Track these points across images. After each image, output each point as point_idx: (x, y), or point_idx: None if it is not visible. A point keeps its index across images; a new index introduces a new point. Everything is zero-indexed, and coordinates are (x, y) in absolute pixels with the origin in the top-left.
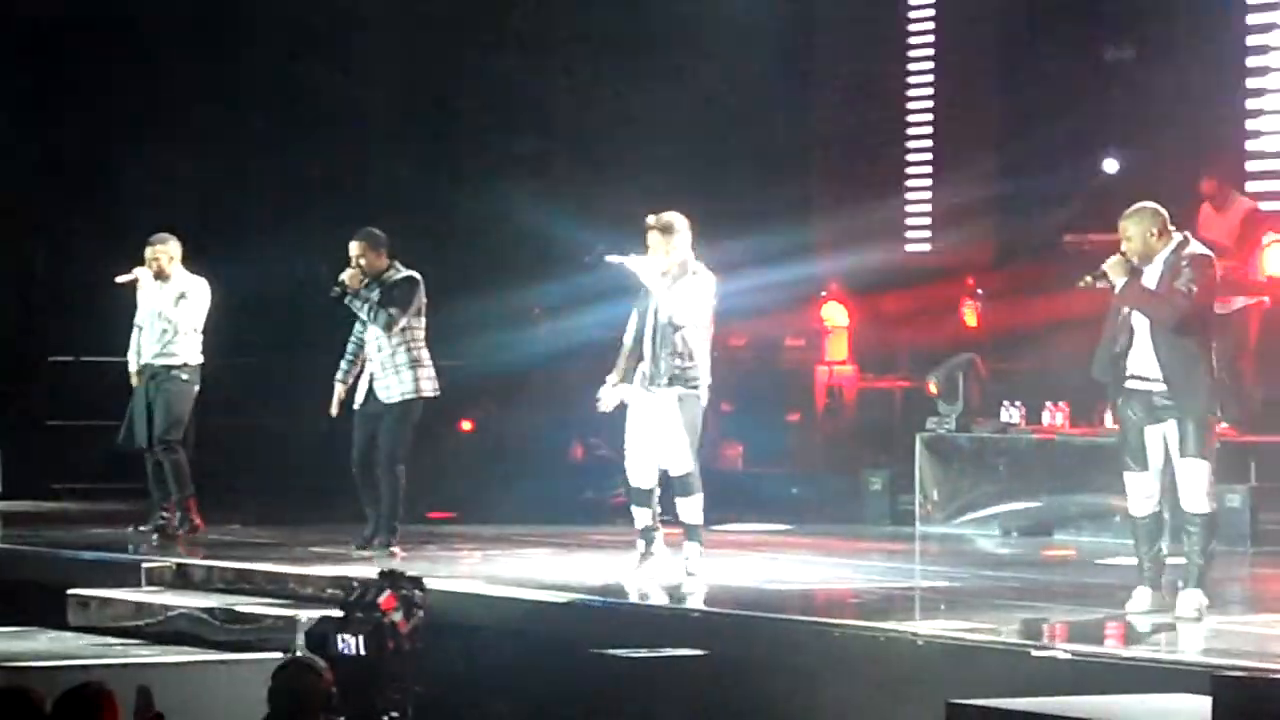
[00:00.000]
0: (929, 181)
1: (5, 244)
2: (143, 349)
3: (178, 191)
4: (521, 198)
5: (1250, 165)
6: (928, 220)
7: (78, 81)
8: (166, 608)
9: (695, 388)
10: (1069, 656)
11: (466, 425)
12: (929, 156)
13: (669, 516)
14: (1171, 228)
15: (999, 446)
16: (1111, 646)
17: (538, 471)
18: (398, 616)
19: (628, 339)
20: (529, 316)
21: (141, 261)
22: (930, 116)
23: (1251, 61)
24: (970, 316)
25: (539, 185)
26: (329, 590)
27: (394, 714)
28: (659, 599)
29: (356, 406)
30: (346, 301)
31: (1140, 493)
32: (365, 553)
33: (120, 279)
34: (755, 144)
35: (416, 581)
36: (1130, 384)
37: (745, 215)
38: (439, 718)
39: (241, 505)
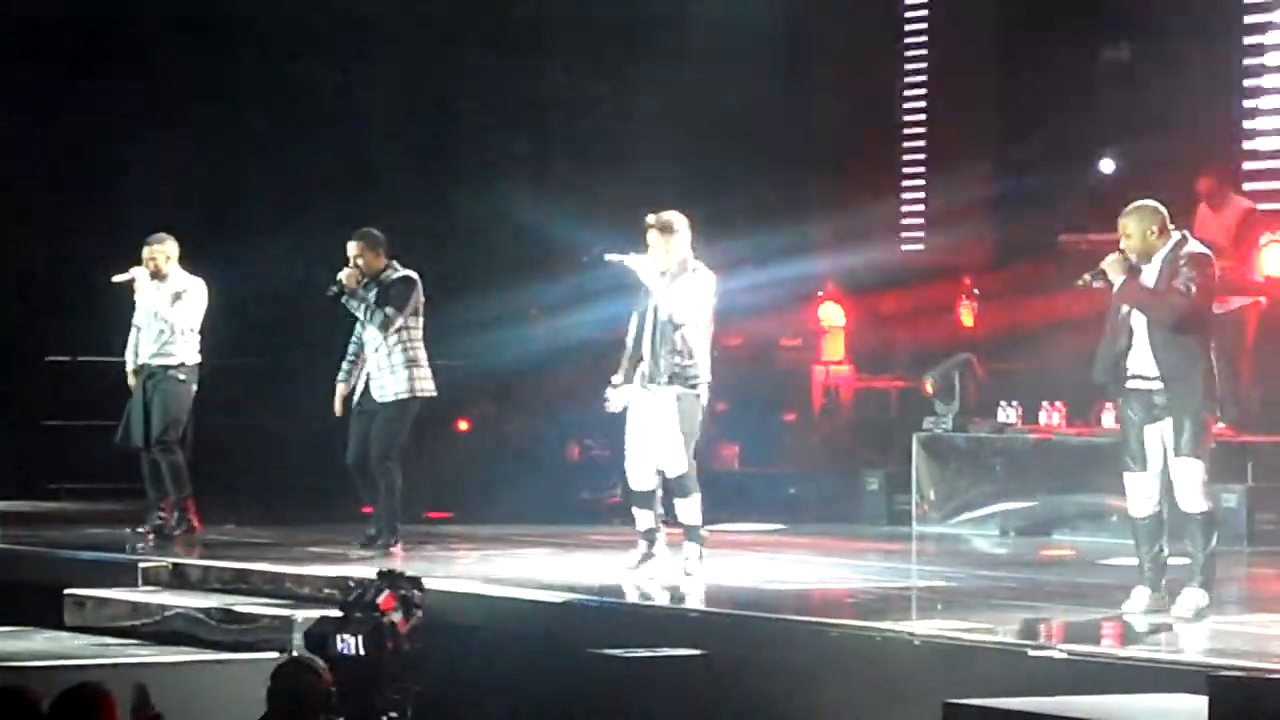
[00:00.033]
0: (926, 181)
1: (3, 243)
2: (140, 349)
3: (176, 191)
4: (519, 198)
5: (1247, 166)
6: (924, 220)
7: (77, 81)
8: (163, 608)
9: (695, 386)
10: (1066, 656)
11: (464, 425)
12: (926, 157)
13: (670, 518)
14: (1171, 226)
15: (996, 446)
16: (1108, 646)
17: (535, 471)
18: (397, 616)
19: (629, 340)
20: (526, 316)
21: (139, 261)
22: (927, 117)
23: (1248, 61)
24: (967, 316)
25: (536, 185)
26: (326, 590)
27: (393, 714)
28: (656, 599)
29: (354, 405)
30: (343, 301)
31: (1140, 493)
32: (366, 553)
33: (117, 278)
34: (752, 144)
35: (415, 582)
36: (1131, 384)
37: (742, 215)
38: (436, 718)
39: (239, 505)
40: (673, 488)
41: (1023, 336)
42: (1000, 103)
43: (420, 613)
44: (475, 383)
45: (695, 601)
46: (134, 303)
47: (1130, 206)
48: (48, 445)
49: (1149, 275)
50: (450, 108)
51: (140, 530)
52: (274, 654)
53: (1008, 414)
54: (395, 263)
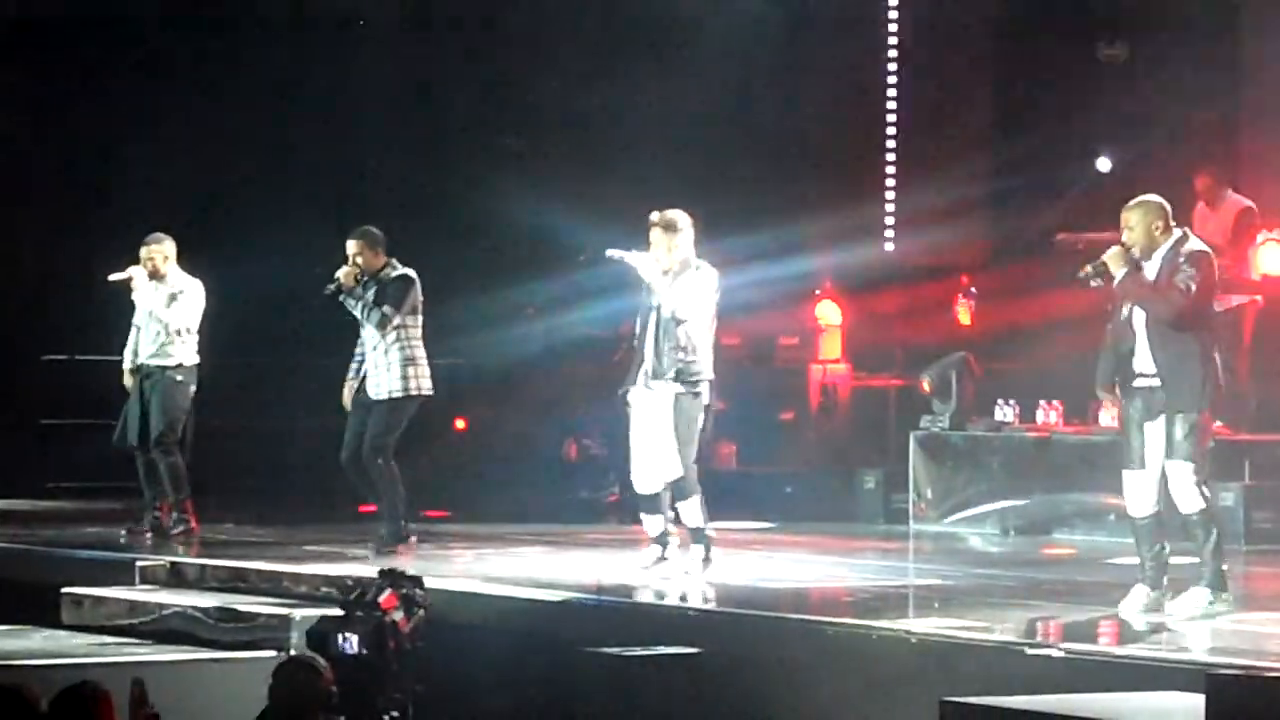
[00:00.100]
0: (922, 180)
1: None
2: (139, 349)
3: (174, 190)
4: (516, 196)
5: (1243, 165)
6: (921, 219)
7: (74, 80)
8: (161, 606)
9: (696, 384)
10: (1063, 654)
11: (460, 424)
12: (922, 155)
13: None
14: (1173, 223)
15: (993, 445)
16: (1105, 644)
17: (532, 470)
18: (398, 615)
19: (638, 343)
20: (524, 315)
21: (137, 260)
22: (923, 115)
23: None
24: (964, 315)
25: (533, 184)
26: (324, 589)
27: (394, 713)
28: (653, 597)
29: (353, 401)
30: (341, 299)
31: (1137, 492)
32: (380, 556)
33: (113, 277)
34: (749, 143)
35: (417, 580)
36: (1136, 383)
37: (739, 213)
38: (432, 716)
39: (237, 505)
40: (673, 490)
41: (1020, 335)
42: (997, 102)
43: (422, 611)
44: (473, 381)
45: (692, 600)
46: (133, 302)
47: (1135, 200)
48: (45, 444)
49: (1149, 272)
50: (445, 106)
51: (137, 529)
52: (272, 653)
53: (1005, 413)
54: (394, 261)
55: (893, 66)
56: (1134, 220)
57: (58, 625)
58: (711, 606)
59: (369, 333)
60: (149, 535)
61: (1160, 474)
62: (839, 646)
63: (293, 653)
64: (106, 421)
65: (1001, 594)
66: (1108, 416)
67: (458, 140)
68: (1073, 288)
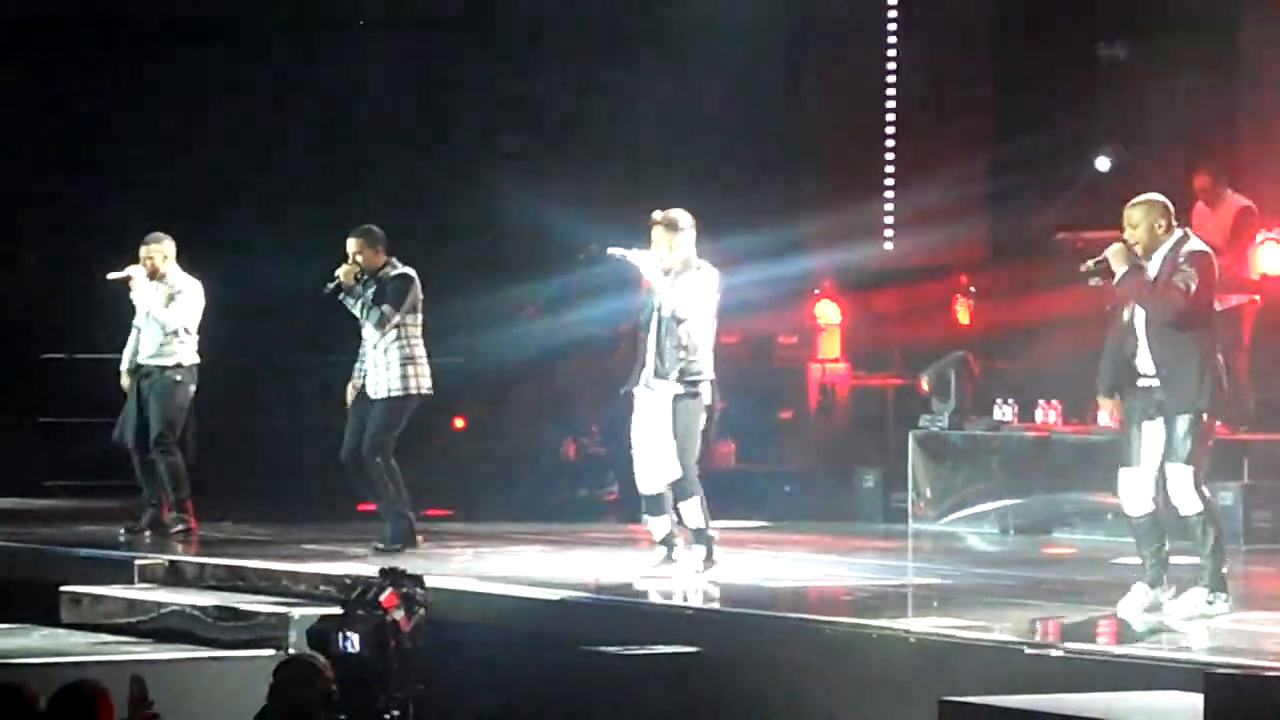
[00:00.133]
0: (922, 180)
1: None
2: (140, 349)
3: (174, 190)
4: (515, 195)
5: (1242, 164)
6: (920, 218)
7: (74, 80)
8: (159, 604)
9: (695, 384)
10: (1062, 654)
11: (459, 423)
12: (921, 155)
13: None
14: (1175, 223)
15: (991, 444)
16: (1104, 644)
17: (531, 469)
18: (399, 614)
19: (640, 341)
20: (523, 314)
21: (136, 259)
22: (923, 114)
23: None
24: (963, 314)
25: (532, 183)
26: (322, 587)
27: (395, 712)
28: (653, 597)
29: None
30: (341, 298)
31: (1132, 490)
32: (385, 556)
33: (112, 276)
34: (748, 141)
35: (418, 579)
36: (1138, 383)
37: (738, 212)
38: (431, 715)
39: (237, 504)
40: (674, 491)
41: (1019, 334)
42: (996, 101)
43: (422, 611)
44: (472, 380)
45: (692, 599)
46: (132, 302)
47: (1138, 198)
48: (44, 442)
49: (1150, 271)
50: (446, 105)
51: (135, 527)
52: (271, 651)
53: (1004, 412)
54: (394, 260)
55: (892, 66)
56: (1137, 218)
57: (56, 624)
58: (711, 606)
59: (368, 331)
60: (148, 534)
61: (1156, 473)
62: (838, 646)
63: (292, 651)
64: (105, 420)
65: (1000, 593)
66: (1106, 416)
67: (458, 140)
68: (1072, 287)
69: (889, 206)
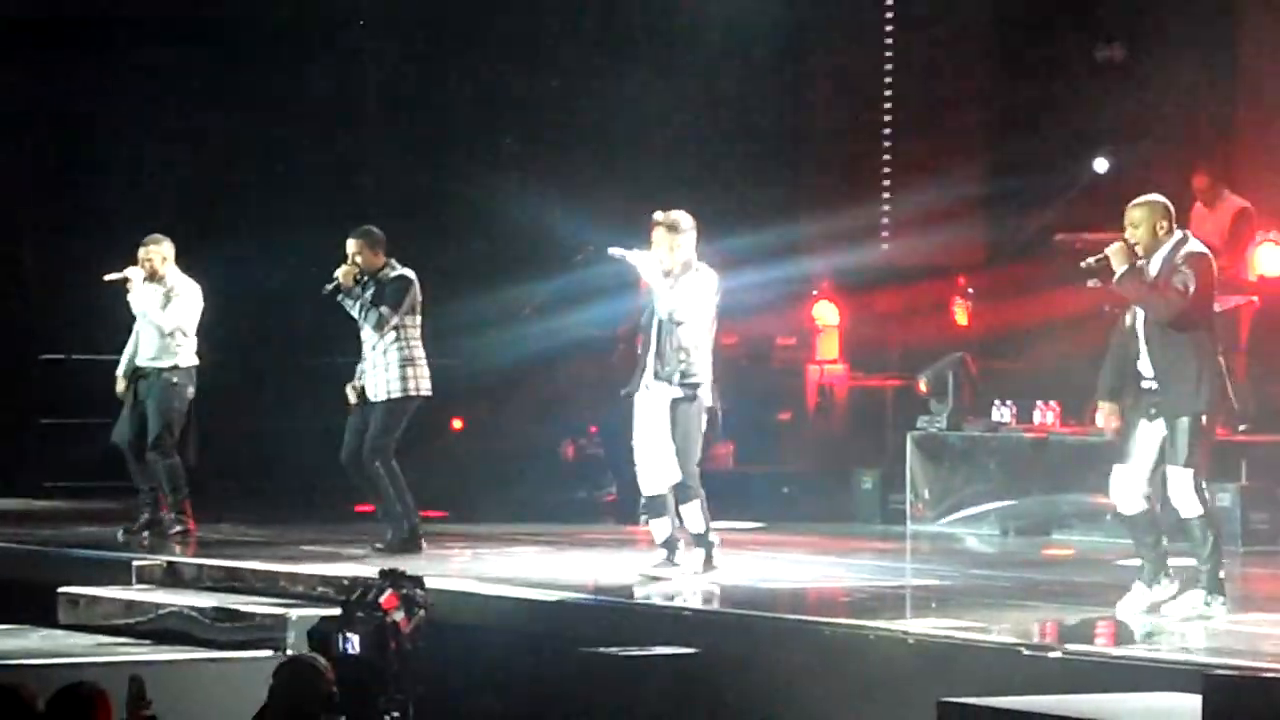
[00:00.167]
0: (920, 181)
1: None
2: (139, 351)
3: (174, 191)
4: (513, 196)
5: (1241, 165)
6: (918, 219)
7: (74, 80)
8: (157, 606)
9: (693, 386)
10: (1060, 655)
11: (457, 424)
12: (919, 156)
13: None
14: (1175, 225)
15: (990, 445)
16: (1102, 645)
17: (529, 470)
18: (399, 616)
19: (640, 343)
20: (520, 315)
21: (135, 261)
22: (921, 115)
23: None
24: (961, 315)
25: (530, 184)
26: (320, 588)
27: (395, 714)
28: (651, 598)
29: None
30: (340, 299)
31: (1123, 487)
32: (387, 557)
33: (109, 277)
34: (746, 142)
35: (418, 581)
36: (1142, 384)
37: (737, 214)
38: (430, 716)
39: (235, 504)
40: (675, 494)
41: (1017, 336)
42: (994, 102)
43: (422, 612)
44: (470, 381)
45: (690, 600)
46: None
47: (1140, 199)
48: (43, 444)
49: (1149, 272)
50: (447, 106)
51: (131, 530)
52: (269, 652)
53: (1002, 413)
54: (393, 261)
55: (890, 67)
56: (1139, 218)
57: (54, 625)
58: (709, 607)
59: (367, 333)
60: (145, 535)
61: (1148, 472)
62: (836, 647)
63: (292, 653)
64: (104, 421)
65: (998, 595)
66: (1102, 422)
67: (457, 140)
68: (1070, 289)
69: (887, 208)
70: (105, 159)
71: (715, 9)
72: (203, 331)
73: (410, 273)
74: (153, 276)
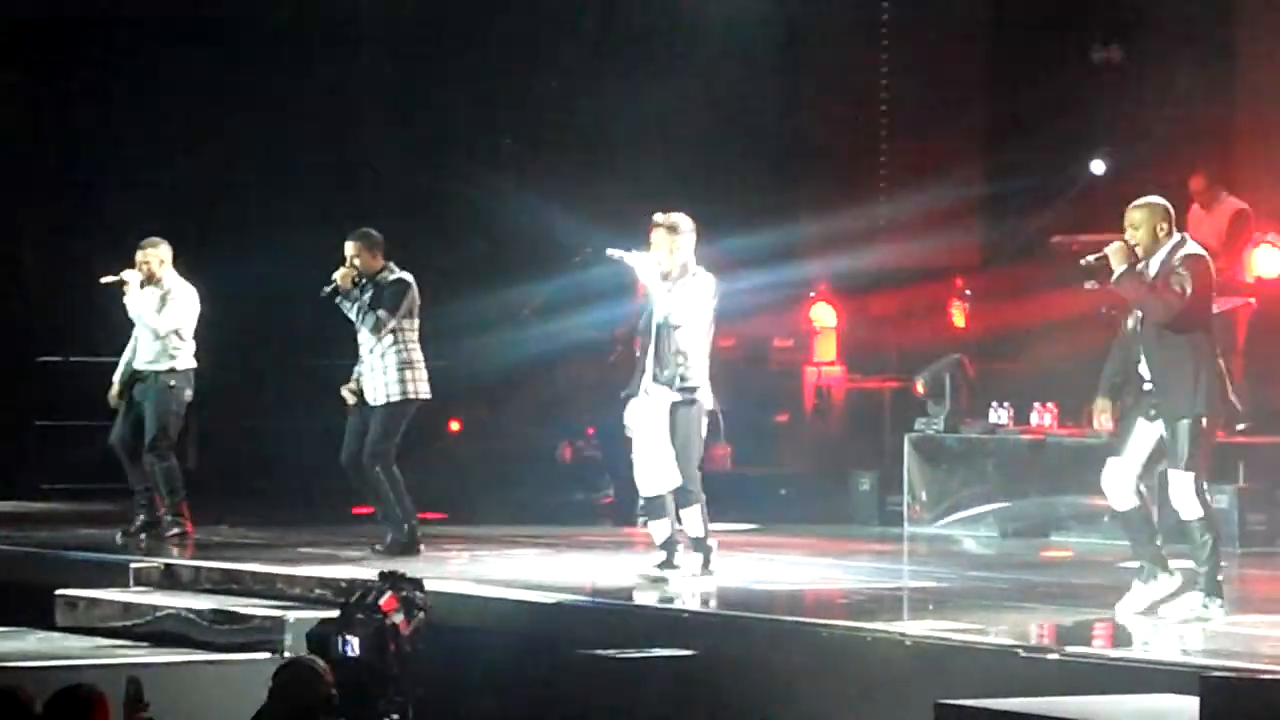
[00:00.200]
0: (917, 183)
1: None
2: (138, 354)
3: (174, 191)
4: (511, 198)
5: (1238, 167)
6: (915, 221)
7: (74, 80)
8: (155, 608)
9: (690, 390)
10: (1057, 657)
11: (455, 426)
12: (917, 158)
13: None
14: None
15: (987, 447)
16: (1100, 647)
17: (527, 472)
18: (398, 618)
19: (639, 347)
20: (519, 317)
21: (133, 263)
22: (918, 117)
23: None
24: (958, 317)
25: (528, 186)
26: (318, 591)
27: (395, 716)
28: (649, 600)
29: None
30: (338, 301)
31: (1115, 481)
32: (386, 558)
33: (105, 280)
34: (744, 144)
35: (417, 583)
36: (1144, 386)
37: (735, 215)
38: (428, 718)
39: (234, 506)
40: (676, 498)
41: (1014, 337)
42: (992, 103)
43: (422, 614)
44: (468, 384)
45: (688, 602)
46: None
47: (1141, 200)
48: (41, 446)
49: (1148, 273)
50: (447, 106)
51: (129, 530)
52: (266, 654)
53: (999, 415)
54: (392, 264)
55: (887, 69)
56: (1139, 220)
57: (52, 627)
58: (707, 609)
59: (364, 336)
60: (143, 537)
61: (1142, 469)
62: (834, 649)
63: (290, 655)
64: (103, 424)
65: (996, 596)
66: (1096, 418)
67: (457, 140)
68: (1068, 290)
69: (884, 210)
70: (105, 159)
71: (715, 9)
72: (202, 332)
73: (408, 276)
74: (150, 279)
